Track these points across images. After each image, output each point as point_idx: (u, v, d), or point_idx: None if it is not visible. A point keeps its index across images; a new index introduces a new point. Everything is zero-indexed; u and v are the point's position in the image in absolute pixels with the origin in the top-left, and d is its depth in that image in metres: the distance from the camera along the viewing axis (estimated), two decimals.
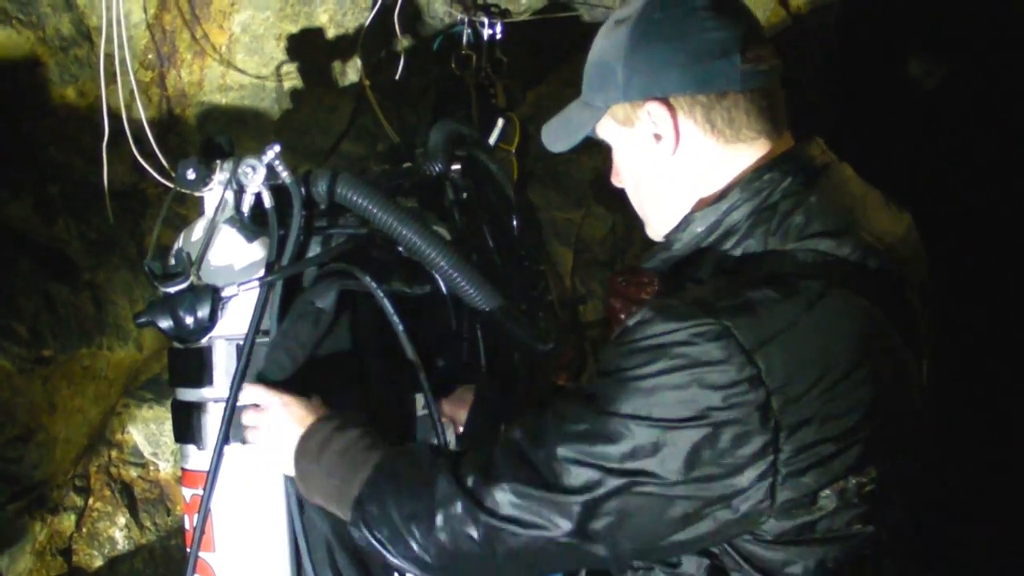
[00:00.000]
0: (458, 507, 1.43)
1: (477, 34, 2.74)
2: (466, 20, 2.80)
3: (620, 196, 1.73)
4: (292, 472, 1.75)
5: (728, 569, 1.43)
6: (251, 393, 1.80)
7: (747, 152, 1.52)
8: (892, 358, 1.44)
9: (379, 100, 2.81)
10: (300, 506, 1.85)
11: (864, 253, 1.45)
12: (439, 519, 1.45)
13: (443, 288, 1.99)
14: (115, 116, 2.49)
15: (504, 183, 2.48)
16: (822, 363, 1.34)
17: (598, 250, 4.32)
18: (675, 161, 1.54)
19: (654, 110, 1.50)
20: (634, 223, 1.71)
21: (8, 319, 2.43)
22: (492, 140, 2.77)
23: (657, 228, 1.63)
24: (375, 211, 1.87)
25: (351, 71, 2.80)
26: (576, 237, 4.17)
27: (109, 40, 2.41)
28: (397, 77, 2.78)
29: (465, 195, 2.30)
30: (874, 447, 1.38)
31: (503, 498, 1.40)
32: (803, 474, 1.34)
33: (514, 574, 1.47)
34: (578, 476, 1.36)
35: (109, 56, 2.44)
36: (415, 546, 1.48)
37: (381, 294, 1.85)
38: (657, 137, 1.53)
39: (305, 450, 1.70)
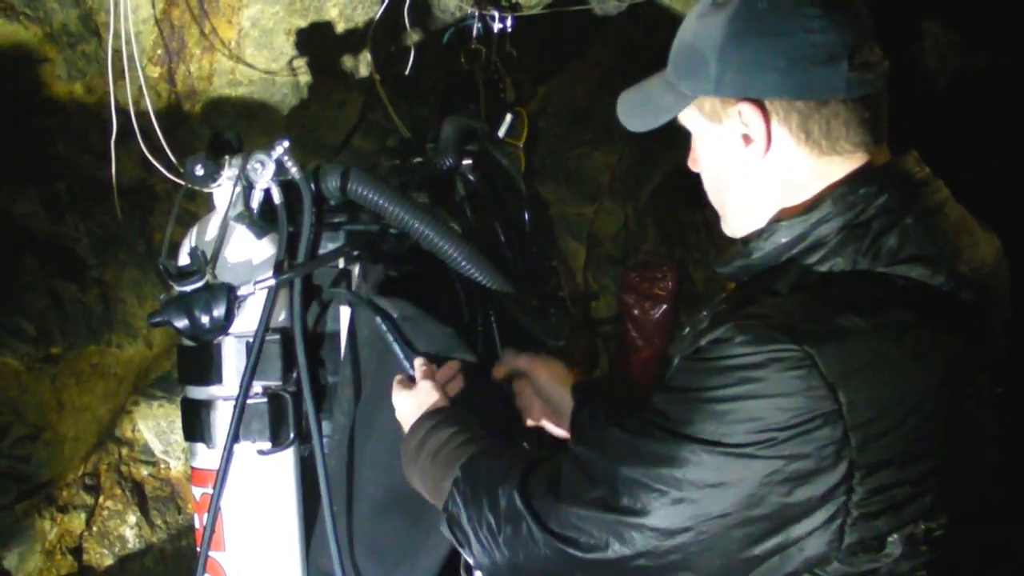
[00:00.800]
0: (523, 525, 1.41)
1: (487, 28, 2.72)
2: (476, 14, 2.78)
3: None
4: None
5: None
6: (418, 366, 1.82)
7: (842, 165, 1.41)
8: (975, 401, 1.37)
9: (389, 95, 2.80)
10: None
11: (958, 285, 1.35)
12: (506, 533, 1.44)
13: (457, 281, 1.99)
14: (123, 112, 2.48)
15: (516, 178, 2.47)
16: (908, 401, 1.28)
17: (610, 246, 4.30)
18: (763, 166, 1.43)
19: (746, 112, 1.39)
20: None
21: (15, 317, 2.41)
22: (499, 135, 2.76)
23: (735, 226, 1.54)
24: (387, 205, 1.87)
25: (361, 66, 2.79)
26: (588, 233, 4.15)
27: (117, 36, 2.39)
28: (407, 71, 2.77)
29: (476, 190, 2.29)
30: (948, 493, 1.32)
31: (565, 517, 1.37)
32: (875, 518, 1.28)
33: None
34: (639, 498, 1.31)
35: (117, 52, 2.42)
36: (485, 554, 1.48)
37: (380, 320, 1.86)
38: (746, 139, 1.41)
39: (407, 449, 1.71)
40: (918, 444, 1.28)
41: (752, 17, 1.37)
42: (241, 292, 1.78)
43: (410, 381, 1.81)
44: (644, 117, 1.55)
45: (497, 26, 2.67)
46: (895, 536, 1.29)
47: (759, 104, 1.38)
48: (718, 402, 1.28)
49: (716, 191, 1.54)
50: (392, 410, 1.80)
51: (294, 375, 1.87)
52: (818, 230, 1.38)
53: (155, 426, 2.93)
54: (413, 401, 1.77)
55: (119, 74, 2.44)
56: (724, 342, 1.30)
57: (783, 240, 1.41)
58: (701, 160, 1.54)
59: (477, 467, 1.56)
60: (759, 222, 1.47)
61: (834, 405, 1.23)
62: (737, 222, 1.52)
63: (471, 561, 1.55)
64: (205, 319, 1.74)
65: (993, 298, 1.42)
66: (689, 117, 1.50)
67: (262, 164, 1.83)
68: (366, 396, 1.92)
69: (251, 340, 1.81)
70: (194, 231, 1.93)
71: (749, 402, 1.26)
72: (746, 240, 1.49)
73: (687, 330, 1.55)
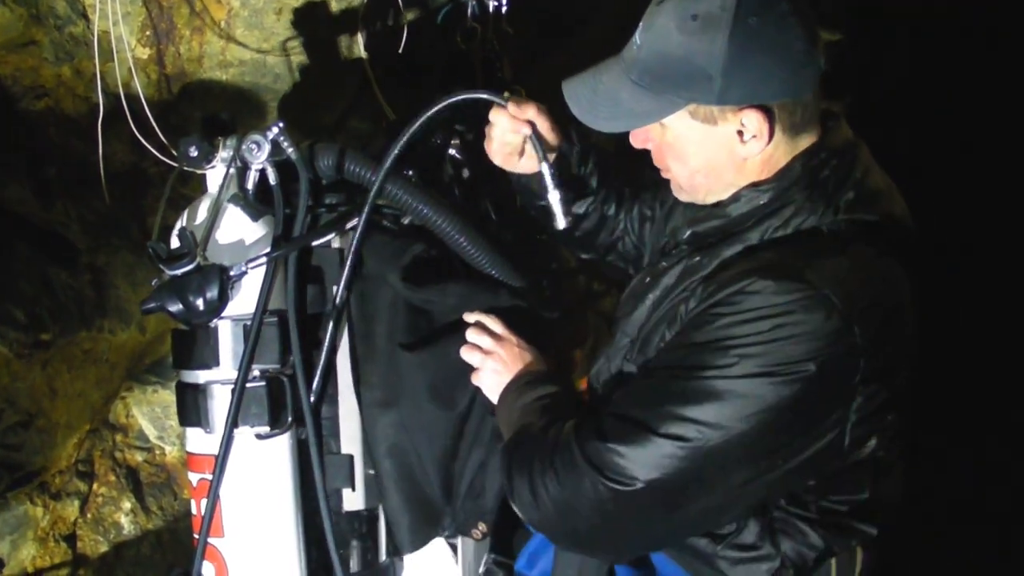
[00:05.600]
0: (572, 462, 1.55)
1: (483, 6, 2.68)
2: None
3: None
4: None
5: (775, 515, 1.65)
6: (490, 323, 1.94)
7: (804, 140, 1.65)
8: (917, 316, 1.66)
9: (383, 75, 2.79)
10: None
11: (897, 224, 1.66)
12: (559, 472, 1.57)
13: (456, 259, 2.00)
14: (112, 95, 2.46)
15: None
16: (893, 326, 1.57)
17: None
18: (751, 154, 1.63)
19: (751, 116, 1.58)
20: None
21: (6, 304, 2.39)
22: None
23: (709, 198, 1.73)
24: (383, 183, 1.88)
25: (355, 46, 2.77)
26: None
27: (104, 17, 2.39)
28: (400, 51, 2.75)
29: (465, 170, 2.28)
30: (905, 389, 1.61)
31: (609, 455, 1.52)
32: (866, 420, 1.54)
33: (628, 531, 1.60)
34: (682, 432, 1.49)
35: (105, 34, 2.41)
36: (529, 502, 1.62)
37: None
38: (741, 135, 1.61)
39: (503, 397, 1.86)
40: (895, 357, 1.57)
41: (750, 35, 1.54)
42: (233, 272, 1.76)
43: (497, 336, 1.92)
44: (617, 119, 1.68)
45: (492, 4, 2.64)
46: (875, 433, 1.58)
47: (763, 109, 1.58)
48: (755, 345, 1.48)
49: (697, 176, 1.71)
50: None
51: (292, 358, 1.85)
52: (789, 191, 1.63)
53: (149, 412, 2.92)
54: (524, 354, 1.91)
55: (107, 56, 2.43)
56: (751, 293, 1.51)
57: (761, 202, 1.64)
58: (684, 154, 1.69)
59: (545, 426, 1.68)
60: (733, 190, 1.69)
61: (852, 336, 1.48)
62: (714, 196, 1.72)
63: (515, 502, 1.67)
64: (199, 302, 1.71)
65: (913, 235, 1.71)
66: (674, 120, 1.65)
67: (258, 145, 1.83)
68: (392, 363, 1.96)
69: (248, 323, 1.79)
70: (186, 213, 1.91)
71: (784, 343, 1.47)
72: (720, 204, 1.70)
73: (644, 292, 1.77)
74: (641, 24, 1.66)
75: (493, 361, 1.90)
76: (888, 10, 4.73)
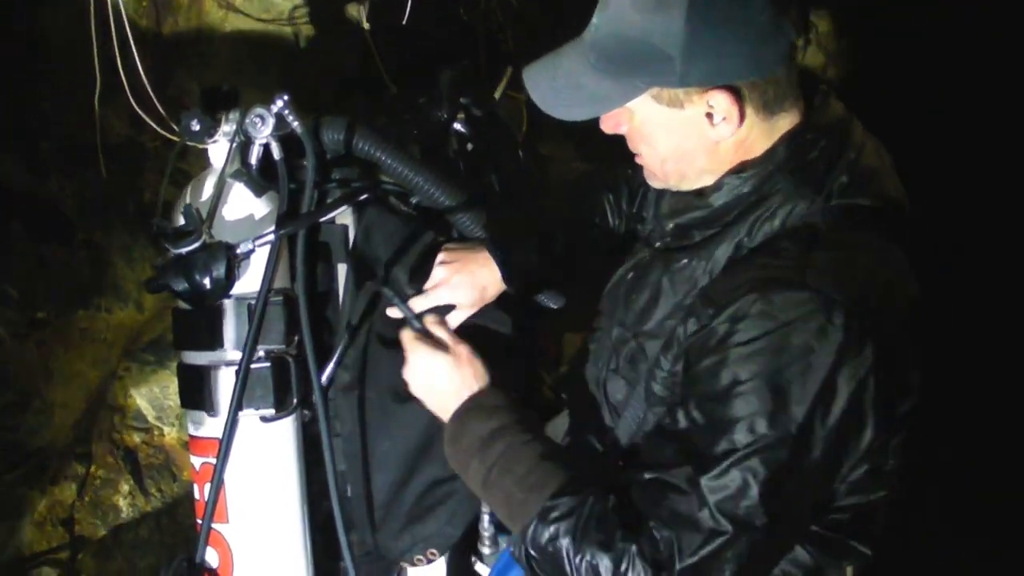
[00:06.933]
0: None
1: None
2: None
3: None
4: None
5: None
6: (432, 324, 1.79)
7: (784, 120, 1.56)
8: (922, 305, 1.57)
9: (385, 46, 2.77)
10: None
11: (894, 207, 1.56)
12: None
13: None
14: (110, 68, 2.42)
15: (511, 131, 2.44)
16: (907, 324, 1.48)
17: None
18: (722, 137, 1.54)
19: (718, 97, 1.48)
20: None
21: None
22: (501, 87, 2.73)
23: (685, 185, 1.64)
24: (391, 162, 1.85)
25: (357, 16, 2.74)
26: None
27: None
28: (404, 22, 2.73)
29: (469, 145, 2.26)
30: (918, 395, 1.53)
31: (704, 569, 1.41)
32: (889, 427, 1.48)
33: None
34: (757, 510, 1.39)
35: (101, 3, 2.37)
36: None
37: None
38: (710, 118, 1.51)
39: (456, 438, 1.69)
40: (909, 351, 1.48)
41: (708, 9, 1.43)
42: (240, 250, 1.71)
43: (429, 339, 1.77)
44: (579, 106, 1.58)
45: None
46: (895, 440, 1.52)
47: (729, 89, 1.48)
48: (774, 384, 1.38)
49: (669, 163, 1.62)
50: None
51: (296, 337, 1.81)
52: (774, 177, 1.53)
53: (148, 392, 2.90)
54: (454, 375, 1.72)
55: (104, 27, 2.39)
56: (755, 316, 1.41)
57: (745, 190, 1.55)
58: (653, 139, 1.60)
59: (580, 506, 1.50)
60: (712, 178, 1.59)
61: (872, 346, 1.39)
62: (690, 183, 1.63)
63: None
64: (205, 280, 1.66)
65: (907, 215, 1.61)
66: (639, 104, 1.55)
67: (261, 119, 1.77)
68: (364, 350, 1.91)
69: (252, 302, 1.75)
70: (189, 190, 1.87)
71: (806, 367, 1.38)
72: (701, 193, 1.61)
73: (628, 291, 1.70)
74: (599, 3, 1.56)
75: (425, 373, 1.77)
76: (880, 9, 4.70)
